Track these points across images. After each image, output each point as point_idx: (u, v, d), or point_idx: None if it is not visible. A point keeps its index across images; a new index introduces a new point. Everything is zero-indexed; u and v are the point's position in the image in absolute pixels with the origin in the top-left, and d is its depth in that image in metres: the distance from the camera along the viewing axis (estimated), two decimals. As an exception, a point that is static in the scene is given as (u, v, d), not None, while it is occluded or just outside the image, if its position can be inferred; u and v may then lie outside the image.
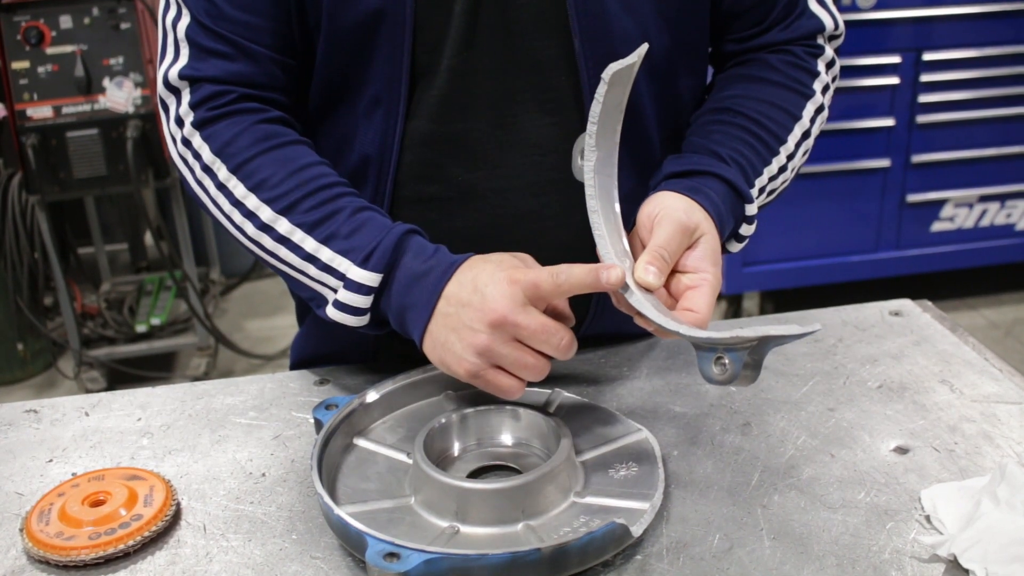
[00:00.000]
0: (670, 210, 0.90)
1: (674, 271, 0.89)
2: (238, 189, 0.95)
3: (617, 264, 0.87)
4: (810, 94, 1.07)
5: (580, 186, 0.90)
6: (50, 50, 2.80)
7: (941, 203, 3.31)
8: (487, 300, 0.84)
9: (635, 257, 0.89)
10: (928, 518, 0.83)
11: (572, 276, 0.85)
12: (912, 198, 3.27)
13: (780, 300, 3.41)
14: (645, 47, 0.89)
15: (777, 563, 0.78)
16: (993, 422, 0.96)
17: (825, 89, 1.08)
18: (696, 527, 0.83)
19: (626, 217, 0.93)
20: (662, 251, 0.87)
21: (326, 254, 0.92)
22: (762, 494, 0.87)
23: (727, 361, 0.80)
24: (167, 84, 0.99)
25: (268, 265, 0.98)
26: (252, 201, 0.95)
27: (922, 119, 3.17)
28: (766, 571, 0.78)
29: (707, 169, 0.97)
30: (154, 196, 3.44)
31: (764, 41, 1.09)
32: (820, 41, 1.09)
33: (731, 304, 3.44)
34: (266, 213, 0.94)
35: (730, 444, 0.94)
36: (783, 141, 1.04)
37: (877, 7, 3.01)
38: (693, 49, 1.07)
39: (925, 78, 3.13)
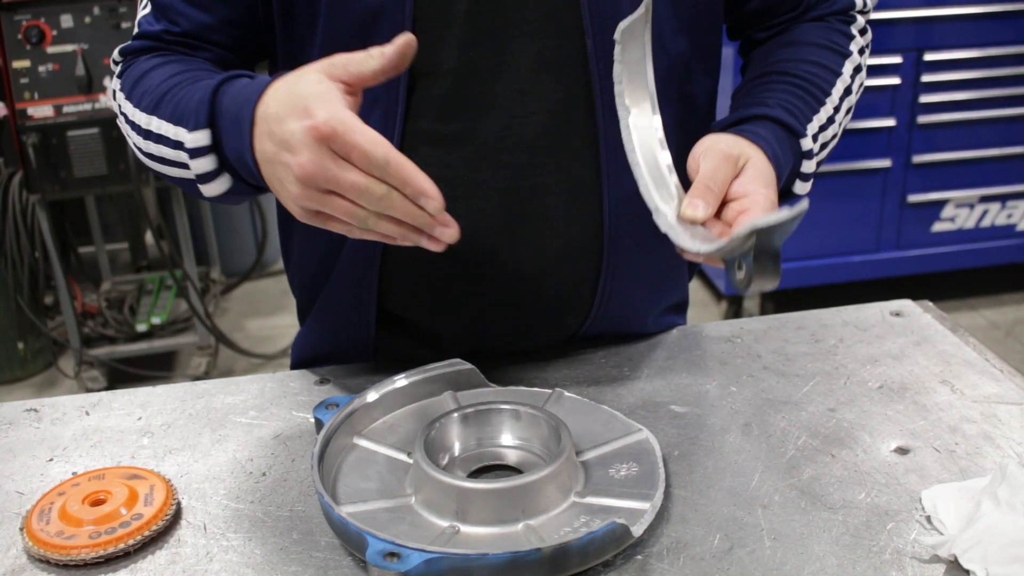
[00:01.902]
0: (712, 144, 0.90)
1: (725, 200, 0.88)
2: (128, 108, 0.99)
3: (660, 209, 0.86)
4: (847, 53, 1.09)
5: (587, 188, 0.90)
6: (51, 49, 2.80)
7: (942, 203, 3.31)
8: (293, 154, 0.79)
9: None
10: (929, 519, 0.83)
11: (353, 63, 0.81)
12: (913, 198, 3.27)
13: (781, 300, 3.41)
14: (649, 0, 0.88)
15: (778, 563, 0.78)
16: (994, 423, 0.96)
17: (861, 51, 1.11)
18: (697, 527, 0.83)
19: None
20: (707, 182, 0.87)
21: (181, 134, 0.91)
22: (763, 494, 0.87)
23: (742, 262, 0.79)
24: (114, 60, 1.06)
25: (171, 179, 0.97)
26: (139, 115, 0.97)
27: (923, 119, 3.17)
28: (766, 571, 0.78)
29: (752, 114, 0.99)
30: (154, 195, 3.44)
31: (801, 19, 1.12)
32: (853, 13, 1.12)
33: (732, 304, 3.44)
34: (142, 118, 0.96)
35: (731, 444, 0.94)
36: (828, 93, 1.05)
37: (878, 7, 3.00)
38: (709, 51, 1.08)
39: (926, 78, 3.13)
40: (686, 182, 0.90)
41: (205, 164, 0.91)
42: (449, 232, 0.81)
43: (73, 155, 2.82)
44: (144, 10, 1.04)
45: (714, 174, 0.87)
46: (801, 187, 1.02)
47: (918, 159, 3.22)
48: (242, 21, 1.02)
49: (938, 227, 3.34)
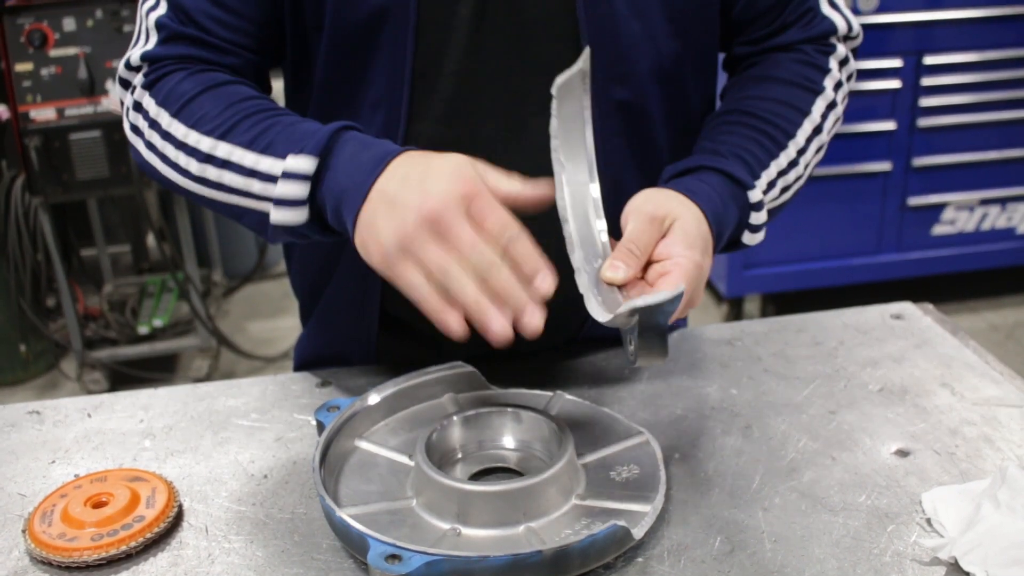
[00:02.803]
0: (640, 204, 0.89)
1: (650, 261, 0.87)
2: (179, 130, 0.94)
3: (583, 269, 0.86)
4: (819, 90, 1.06)
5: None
6: (53, 52, 2.80)
7: (942, 206, 3.31)
8: (428, 194, 0.78)
9: None
10: (929, 521, 0.83)
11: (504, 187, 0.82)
12: (913, 201, 3.27)
13: (781, 303, 3.41)
14: (587, 51, 0.88)
15: (778, 566, 0.79)
16: (994, 425, 0.96)
17: (838, 86, 1.08)
18: (697, 530, 0.83)
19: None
20: (630, 245, 0.86)
21: (266, 163, 0.89)
22: (763, 497, 0.87)
23: (631, 338, 0.80)
24: (128, 65, 1.00)
25: (220, 206, 0.95)
26: (193, 137, 0.93)
27: (923, 122, 3.17)
28: (767, 574, 0.78)
29: (701, 164, 0.97)
30: (156, 198, 3.43)
31: (777, 43, 1.09)
32: (833, 41, 1.09)
33: (732, 307, 3.44)
34: (206, 143, 0.92)
35: (731, 447, 0.94)
36: (791, 136, 1.03)
37: (879, 10, 3.01)
38: (702, 53, 1.07)
39: (926, 82, 3.13)
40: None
41: (294, 190, 0.87)
42: (534, 324, 0.78)
43: (75, 158, 2.82)
44: (157, 10, 1.00)
45: (638, 236, 0.87)
46: (750, 238, 1.00)
47: (918, 162, 3.22)
48: (265, 20, 0.99)
49: (938, 230, 3.34)
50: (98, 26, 2.81)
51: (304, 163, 0.87)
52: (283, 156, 0.88)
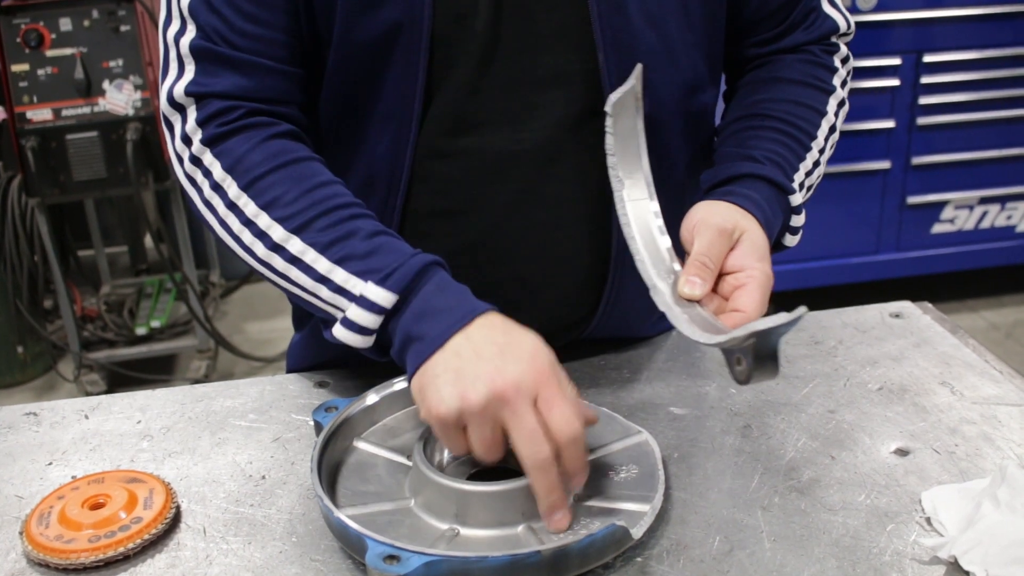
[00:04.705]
0: (706, 216, 0.90)
1: (721, 274, 0.88)
2: (249, 207, 0.91)
3: (659, 287, 0.86)
4: (831, 89, 1.09)
5: (595, 198, 0.91)
6: (50, 52, 2.80)
7: (941, 205, 3.31)
8: (503, 370, 0.78)
9: None
10: (928, 520, 0.83)
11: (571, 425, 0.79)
12: (912, 200, 3.27)
13: (781, 302, 3.39)
14: (639, 68, 0.90)
15: (777, 565, 0.78)
16: (993, 424, 0.96)
17: (843, 84, 1.11)
18: (696, 529, 0.83)
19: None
20: (703, 258, 0.87)
21: (340, 275, 0.88)
22: (762, 496, 0.87)
23: (742, 359, 0.80)
24: (172, 102, 0.95)
25: (277, 286, 0.94)
26: (264, 220, 0.90)
27: (922, 121, 3.17)
28: (766, 573, 0.78)
29: (743, 172, 0.98)
30: (154, 198, 3.43)
31: (785, 44, 1.10)
32: (835, 40, 1.11)
33: (731, 306, 3.44)
34: (278, 232, 0.90)
35: (730, 446, 0.94)
36: (813, 137, 1.06)
37: (877, 9, 3.01)
38: (715, 60, 1.08)
39: (925, 80, 3.13)
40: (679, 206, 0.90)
41: (367, 319, 0.86)
42: (560, 526, 0.80)
43: (72, 158, 2.82)
44: (186, 34, 0.94)
45: (709, 249, 0.87)
46: (791, 240, 1.03)
47: (917, 160, 3.22)
48: (292, 31, 0.95)
49: (938, 228, 3.34)
50: (95, 26, 2.81)
51: (384, 296, 0.86)
52: (359, 274, 0.87)
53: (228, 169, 0.93)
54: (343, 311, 0.88)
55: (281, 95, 0.97)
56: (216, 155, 0.93)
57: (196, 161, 0.94)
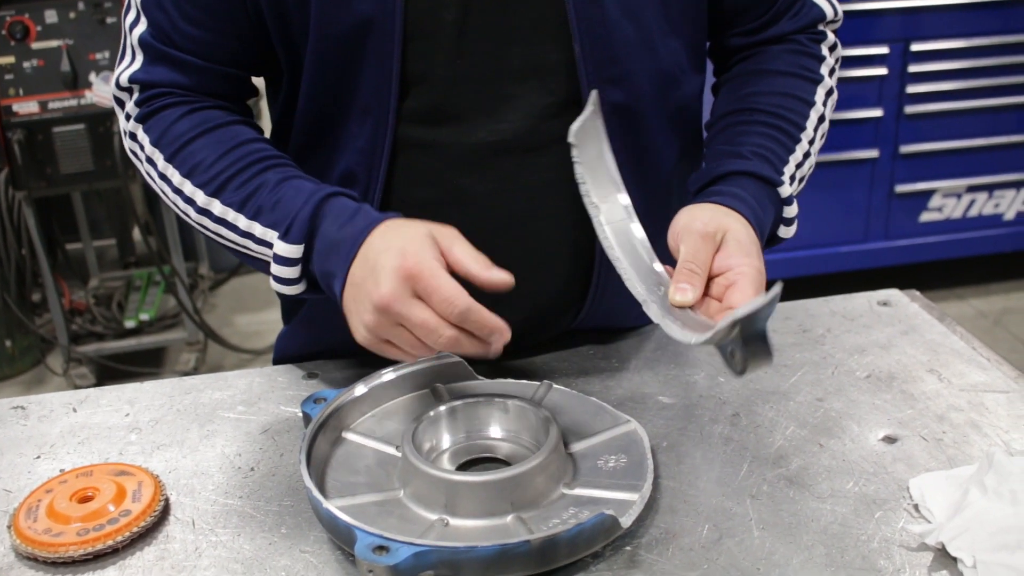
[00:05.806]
0: (688, 222, 0.90)
1: (711, 277, 0.89)
2: (175, 177, 0.98)
3: (649, 300, 0.88)
4: (819, 79, 1.08)
5: (574, 188, 0.92)
6: (35, 45, 2.78)
7: (929, 193, 3.32)
8: (377, 285, 0.84)
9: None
10: (916, 507, 0.83)
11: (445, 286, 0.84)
12: (900, 188, 3.28)
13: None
14: (595, 94, 0.91)
15: (766, 553, 0.79)
16: (981, 411, 0.97)
17: (832, 72, 1.10)
18: (685, 518, 0.83)
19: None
20: (689, 265, 0.87)
21: (258, 229, 0.94)
22: (751, 484, 0.87)
23: (734, 350, 0.80)
24: (119, 86, 1.03)
25: (222, 246, 0.99)
26: (188, 187, 0.97)
27: (910, 109, 3.18)
28: (755, 561, 0.78)
29: (729, 170, 0.98)
30: (142, 191, 3.41)
31: (771, 33, 1.10)
32: (822, 28, 1.11)
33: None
34: (200, 197, 0.97)
35: (719, 435, 0.94)
36: (803, 128, 1.05)
37: (865, -3, 3.01)
38: (695, 51, 1.07)
39: (913, 68, 3.13)
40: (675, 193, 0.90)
41: (288, 272, 0.93)
42: (500, 344, 0.85)
43: (59, 151, 2.81)
44: (139, 26, 1.00)
45: (695, 255, 0.88)
46: (786, 231, 1.03)
47: (905, 149, 3.23)
48: (242, 35, 0.99)
49: (926, 217, 3.35)
50: (80, 18, 2.79)
51: (291, 249, 0.92)
52: (271, 226, 0.93)
53: (155, 143, 1.00)
54: (270, 264, 0.94)
55: (217, 92, 1.03)
56: (147, 130, 1.01)
57: (132, 137, 1.03)
